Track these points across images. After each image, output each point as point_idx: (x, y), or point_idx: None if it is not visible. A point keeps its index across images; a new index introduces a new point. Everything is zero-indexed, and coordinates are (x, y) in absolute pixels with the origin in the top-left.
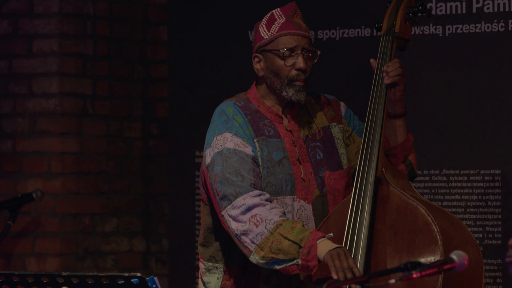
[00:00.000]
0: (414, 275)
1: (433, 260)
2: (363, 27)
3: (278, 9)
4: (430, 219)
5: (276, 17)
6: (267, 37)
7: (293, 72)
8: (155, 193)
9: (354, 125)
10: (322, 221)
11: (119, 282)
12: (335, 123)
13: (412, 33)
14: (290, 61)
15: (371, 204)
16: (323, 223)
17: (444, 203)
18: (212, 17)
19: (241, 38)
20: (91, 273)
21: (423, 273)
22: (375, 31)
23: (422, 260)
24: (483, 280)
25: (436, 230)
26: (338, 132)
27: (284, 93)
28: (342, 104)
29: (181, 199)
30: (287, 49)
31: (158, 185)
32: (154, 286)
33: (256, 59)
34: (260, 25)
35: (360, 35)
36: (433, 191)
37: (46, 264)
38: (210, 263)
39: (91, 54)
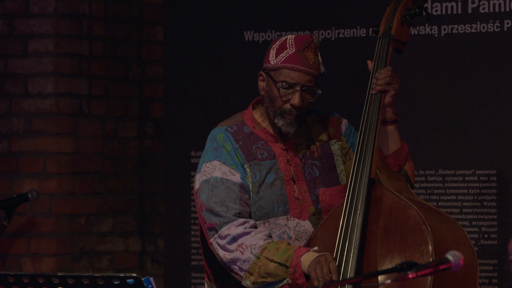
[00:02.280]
0: (410, 276)
1: (424, 261)
2: (358, 27)
3: (293, 37)
4: (421, 219)
5: (287, 45)
6: (272, 63)
7: (287, 106)
8: (150, 193)
9: (352, 143)
10: (320, 223)
11: (115, 283)
12: (335, 140)
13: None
14: (286, 96)
15: (364, 205)
16: (320, 226)
17: (439, 204)
18: (208, 17)
19: (237, 38)
20: (86, 274)
21: (419, 273)
22: (370, 31)
23: (413, 259)
24: (477, 280)
25: (427, 230)
26: (337, 149)
27: (276, 121)
28: (344, 121)
29: (176, 199)
30: (285, 83)
31: (154, 185)
32: (150, 286)
33: (261, 77)
34: (273, 46)
35: (355, 35)
36: (428, 191)
37: (41, 264)
38: (209, 282)
39: (87, 54)
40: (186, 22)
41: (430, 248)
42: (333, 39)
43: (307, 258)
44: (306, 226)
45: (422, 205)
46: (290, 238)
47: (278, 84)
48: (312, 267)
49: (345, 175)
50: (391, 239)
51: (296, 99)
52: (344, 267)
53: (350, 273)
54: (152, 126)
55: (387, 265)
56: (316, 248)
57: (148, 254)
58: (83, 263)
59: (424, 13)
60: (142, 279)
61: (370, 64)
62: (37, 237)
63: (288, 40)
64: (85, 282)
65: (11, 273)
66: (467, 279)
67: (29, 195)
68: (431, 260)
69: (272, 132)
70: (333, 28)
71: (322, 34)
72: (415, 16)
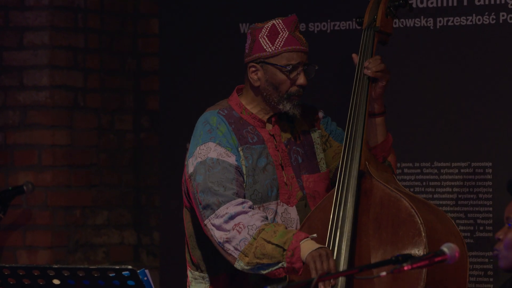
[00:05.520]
0: (405, 268)
1: (417, 252)
2: (354, 19)
3: (280, 21)
4: (413, 211)
5: (279, 29)
6: (270, 50)
7: (294, 88)
8: (146, 186)
9: (331, 130)
10: (306, 216)
11: (110, 275)
12: (315, 128)
13: (403, 26)
14: (292, 77)
15: (355, 197)
16: (307, 219)
17: (435, 196)
18: (203, 9)
19: (232, 30)
20: (82, 266)
21: (414, 265)
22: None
23: (406, 252)
24: (467, 271)
25: (419, 222)
26: (317, 137)
27: (281, 106)
28: (321, 110)
29: (172, 192)
30: (290, 66)
31: (149, 178)
32: (145, 278)
33: (253, 69)
34: (260, 36)
35: (351, 27)
36: (424, 183)
37: (37, 257)
38: (196, 273)
39: (82, 47)
40: (181, 15)
41: (424, 239)
42: (328, 31)
43: (307, 246)
44: (292, 214)
45: (412, 197)
46: None
47: (286, 67)
48: (312, 258)
49: (325, 163)
50: (383, 231)
51: (302, 79)
52: (336, 260)
53: (342, 266)
54: (148, 119)
55: (380, 257)
56: (315, 235)
57: (144, 247)
58: (79, 255)
59: (407, 5)
60: (138, 271)
61: (355, 57)
62: (33, 230)
63: (276, 24)
64: (80, 275)
65: (7, 266)
66: (458, 269)
67: (25, 188)
68: (424, 251)
69: (259, 117)
70: (329, 21)
71: (317, 26)
72: (399, 8)
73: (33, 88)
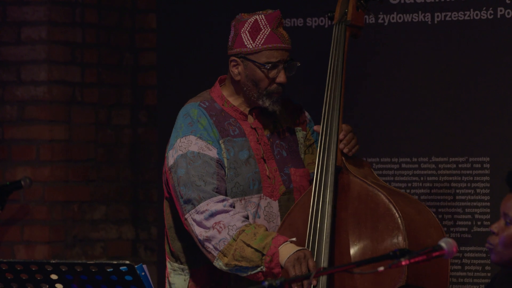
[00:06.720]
0: (403, 263)
1: (396, 245)
2: (326, 14)
3: (263, 16)
4: (391, 204)
5: (261, 26)
6: (251, 47)
7: (273, 85)
8: (144, 181)
9: (316, 139)
10: (286, 214)
11: (108, 270)
12: (300, 128)
13: (401, 21)
14: (272, 75)
15: (333, 193)
16: (287, 216)
17: (432, 191)
18: (201, 4)
19: (230, 25)
20: (79, 261)
21: (412, 260)
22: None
23: (385, 245)
24: (449, 264)
25: (397, 215)
26: (302, 137)
27: (261, 102)
28: (306, 113)
29: None
30: (270, 64)
31: (147, 173)
32: (143, 273)
33: (234, 63)
34: (242, 30)
35: None
36: (422, 178)
37: (35, 252)
38: (176, 264)
39: (80, 42)
40: (179, 9)
41: (402, 232)
42: (326, 26)
43: (286, 250)
44: (274, 208)
45: (390, 190)
46: (260, 218)
47: (265, 65)
48: (291, 263)
49: (304, 163)
50: (362, 226)
51: (282, 77)
52: (316, 257)
53: (323, 262)
54: (145, 114)
55: (361, 252)
56: (294, 238)
57: (141, 242)
58: (76, 250)
59: None
60: (135, 266)
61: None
62: (30, 225)
63: (259, 20)
64: (78, 270)
65: (4, 261)
66: (440, 262)
67: (22, 183)
68: (404, 244)
69: (241, 110)
70: (327, 16)
71: (315, 21)
72: (369, 0)
73: (31, 83)
